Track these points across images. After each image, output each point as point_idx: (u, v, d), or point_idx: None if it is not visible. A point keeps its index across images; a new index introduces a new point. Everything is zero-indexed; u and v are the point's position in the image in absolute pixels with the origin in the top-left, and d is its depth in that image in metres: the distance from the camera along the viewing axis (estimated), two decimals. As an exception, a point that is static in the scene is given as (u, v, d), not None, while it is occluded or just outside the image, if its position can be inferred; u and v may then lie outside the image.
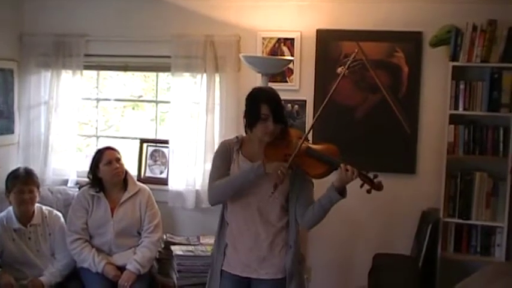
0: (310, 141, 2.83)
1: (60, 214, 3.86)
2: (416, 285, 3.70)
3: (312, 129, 2.82)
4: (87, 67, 4.60)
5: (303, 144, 2.65)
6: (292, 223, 2.76)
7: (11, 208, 3.68)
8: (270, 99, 2.68)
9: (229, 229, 2.84)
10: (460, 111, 3.94)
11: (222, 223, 2.88)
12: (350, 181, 2.55)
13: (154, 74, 4.81)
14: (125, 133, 5.36)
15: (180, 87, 4.39)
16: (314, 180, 2.78)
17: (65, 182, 4.55)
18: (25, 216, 3.66)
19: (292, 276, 2.75)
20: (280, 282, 2.76)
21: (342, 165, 2.55)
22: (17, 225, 3.64)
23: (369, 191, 2.58)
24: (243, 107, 2.81)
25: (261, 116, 2.66)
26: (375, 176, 2.58)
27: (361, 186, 2.58)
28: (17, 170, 3.76)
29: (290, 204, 2.76)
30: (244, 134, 2.86)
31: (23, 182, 3.64)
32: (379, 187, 2.58)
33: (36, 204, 3.73)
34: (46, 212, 3.78)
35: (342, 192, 2.60)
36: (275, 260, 2.77)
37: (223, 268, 2.84)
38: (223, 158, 2.81)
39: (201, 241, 4.20)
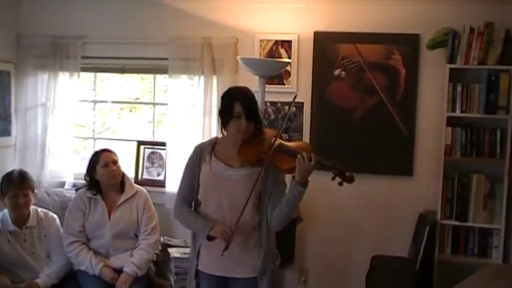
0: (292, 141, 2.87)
1: (55, 216, 3.85)
2: (414, 287, 3.70)
3: (281, 129, 2.84)
4: (84, 69, 4.60)
5: (276, 142, 2.68)
6: (264, 222, 2.77)
7: (6, 210, 3.66)
8: (243, 98, 2.71)
9: None
10: (457, 113, 3.94)
11: None
12: (308, 169, 2.52)
13: (151, 76, 4.82)
14: (122, 135, 5.36)
15: (178, 90, 4.39)
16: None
17: (62, 184, 4.55)
18: (20, 218, 3.65)
19: (263, 274, 2.76)
20: (253, 281, 2.77)
21: (299, 155, 2.54)
22: (12, 227, 3.62)
23: (340, 184, 2.58)
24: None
25: (234, 114, 2.69)
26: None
27: (333, 179, 2.58)
28: (11, 173, 3.71)
29: (262, 203, 2.76)
30: (222, 134, 2.88)
31: (17, 186, 3.61)
32: (350, 179, 2.58)
33: (32, 206, 3.71)
34: (42, 214, 3.77)
35: (303, 185, 2.57)
36: (248, 260, 2.78)
37: (198, 268, 2.86)
38: (193, 164, 2.87)
39: (199, 243, 4.19)
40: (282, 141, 2.75)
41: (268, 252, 2.79)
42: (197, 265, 2.87)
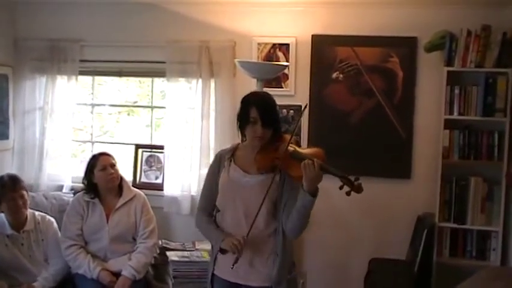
0: (305, 146, 2.82)
1: (53, 219, 3.84)
2: (412, 290, 3.70)
3: (293, 135, 2.75)
4: (82, 72, 4.60)
5: (290, 148, 2.64)
6: (279, 230, 2.73)
7: (2, 215, 3.65)
8: (260, 103, 2.68)
9: None
10: (455, 116, 3.95)
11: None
12: (314, 177, 2.46)
13: (149, 79, 4.81)
14: (120, 139, 5.36)
15: (175, 93, 4.39)
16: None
17: (60, 188, 4.54)
18: (18, 222, 3.64)
19: (279, 285, 2.71)
20: None
21: (304, 161, 2.49)
22: (9, 231, 3.61)
23: (348, 193, 2.48)
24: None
25: (250, 119, 2.66)
26: (356, 179, 2.49)
27: (341, 188, 2.48)
28: (1, 178, 3.68)
29: (278, 211, 2.73)
30: (241, 141, 2.86)
31: (12, 189, 3.61)
32: (358, 189, 2.48)
33: (29, 210, 3.71)
34: (39, 217, 3.76)
35: (313, 193, 2.52)
36: (262, 268, 2.74)
37: (214, 272, 2.84)
38: (212, 172, 2.86)
39: (197, 247, 4.19)
40: (297, 148, 2.70)
41: (283, 261, 2.73)
42: (213, 269, 2.85)
